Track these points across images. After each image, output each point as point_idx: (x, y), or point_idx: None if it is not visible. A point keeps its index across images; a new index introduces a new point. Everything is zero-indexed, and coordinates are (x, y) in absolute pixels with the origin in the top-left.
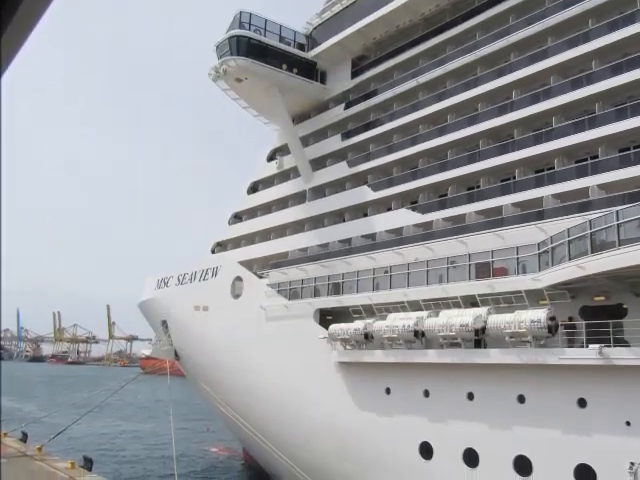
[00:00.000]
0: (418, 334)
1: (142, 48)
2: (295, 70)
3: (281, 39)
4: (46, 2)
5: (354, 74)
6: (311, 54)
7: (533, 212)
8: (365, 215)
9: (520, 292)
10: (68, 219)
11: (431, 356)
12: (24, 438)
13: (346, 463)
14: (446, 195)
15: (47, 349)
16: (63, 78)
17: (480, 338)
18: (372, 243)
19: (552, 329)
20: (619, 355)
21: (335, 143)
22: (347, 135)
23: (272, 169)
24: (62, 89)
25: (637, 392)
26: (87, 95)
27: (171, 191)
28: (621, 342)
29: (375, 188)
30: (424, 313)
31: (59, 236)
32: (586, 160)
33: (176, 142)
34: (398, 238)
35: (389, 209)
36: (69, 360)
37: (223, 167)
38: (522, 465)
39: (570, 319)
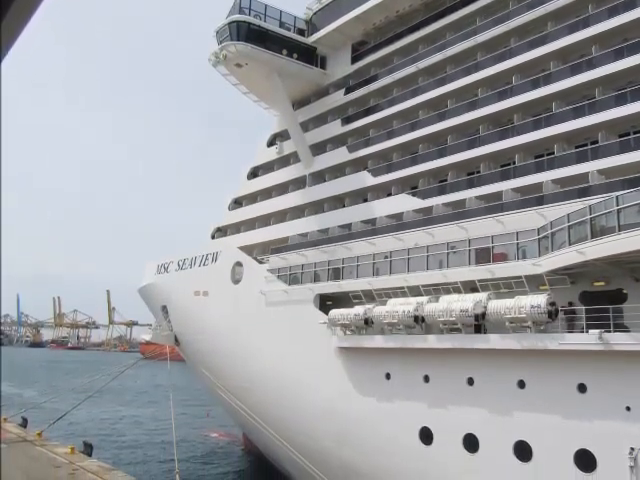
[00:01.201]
0: (418, 319)
1: (143, 31)
2: (295, 55)
3: (281, 24)
4: None
5: (354, 59)
6: (311, 39)
7: (533, 197)
8: (365, 200)
9: (520, 277)
10: (68, 204)
11: (431, 341)
12: (24, 423)
13: (346, 448)
14: (446, 180)
15: (47, 334)
16: (64, 63)
17: (480, 323)
18: (372, 228)
19: (552, 314)
20: (619, 340)
21: (335, 128)
22: (347, 120)
23: (272, 154)
24: (63, 74)
25: (637, 377)
26: (87, 78)
27: (172, 176)
28: (621, 327)
29: (375, 173)
30: (424, 298)
31: (59, 221)
32: (586, 145)
33: (176, 126)
34: (398, 223)
35: (389, 194)
36: (69, 345)
37: (224, 151)
38: (522, 450)
39: (570, 304)
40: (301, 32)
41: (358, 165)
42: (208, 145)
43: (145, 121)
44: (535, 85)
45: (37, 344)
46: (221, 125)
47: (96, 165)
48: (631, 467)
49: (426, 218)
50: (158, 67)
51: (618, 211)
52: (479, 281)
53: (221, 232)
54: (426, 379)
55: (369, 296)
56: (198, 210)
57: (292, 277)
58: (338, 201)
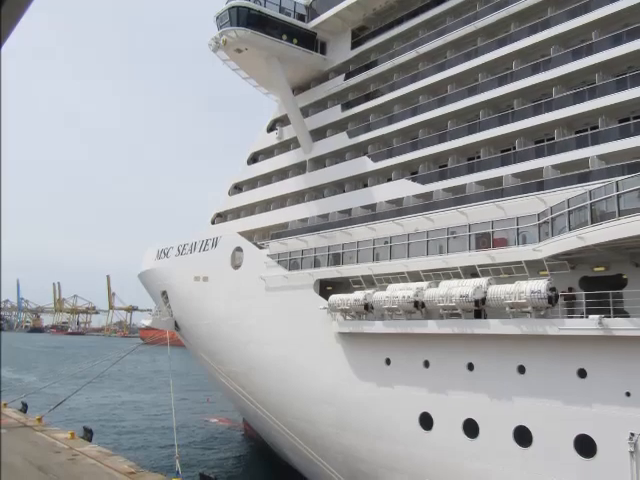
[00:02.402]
0: (418, 305)
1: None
2: (295, 41)
3: (281, 10)
4: None
5: (354, 45)
6: (311, 25)
7: (533, 183)
8: (365, 186)
9: (520, 263)
10: (67, 188)
11: (431, 327)
12: (24, 409)
13: (346, 434)
14: (446, 166)
15: (47, 320)
16: (63, 35)
17: (480, 309)
18: (372, 214)
19: (552, 300)
20: (619, 325)
21: (335, 114)
22: (347, 106)
23: (272, 140)
24: (63, 45)
25: (637, 363)
26: (87, 49)
27: (172, 159)
28: (621, 312)
29: (375, 159)
30: (424, 284)
31: (57, 207)
32: (586, 131)
33: (176, 101)
34: (398, 209)
35: (389, 179)
36: (69, 331)
37: (223, 126)
38: (522, 436)
39: (570, 290)
40: (301, 17)
41: (358, 150)
42: (207, 120)
43: (145, 98)
44: (535, 70)
45: (37, 329)
46: (220, 100)
47: (96, 143)
48: (631, 452)
49: (426, 203)
50: (158, 37)
51: (618, 196)
52: (479, 266)
53: (221, 217)
54: (426, 364)
55: (369, 281)
56: (198, 186)
57: (292, 262)
58: (338, 186)
